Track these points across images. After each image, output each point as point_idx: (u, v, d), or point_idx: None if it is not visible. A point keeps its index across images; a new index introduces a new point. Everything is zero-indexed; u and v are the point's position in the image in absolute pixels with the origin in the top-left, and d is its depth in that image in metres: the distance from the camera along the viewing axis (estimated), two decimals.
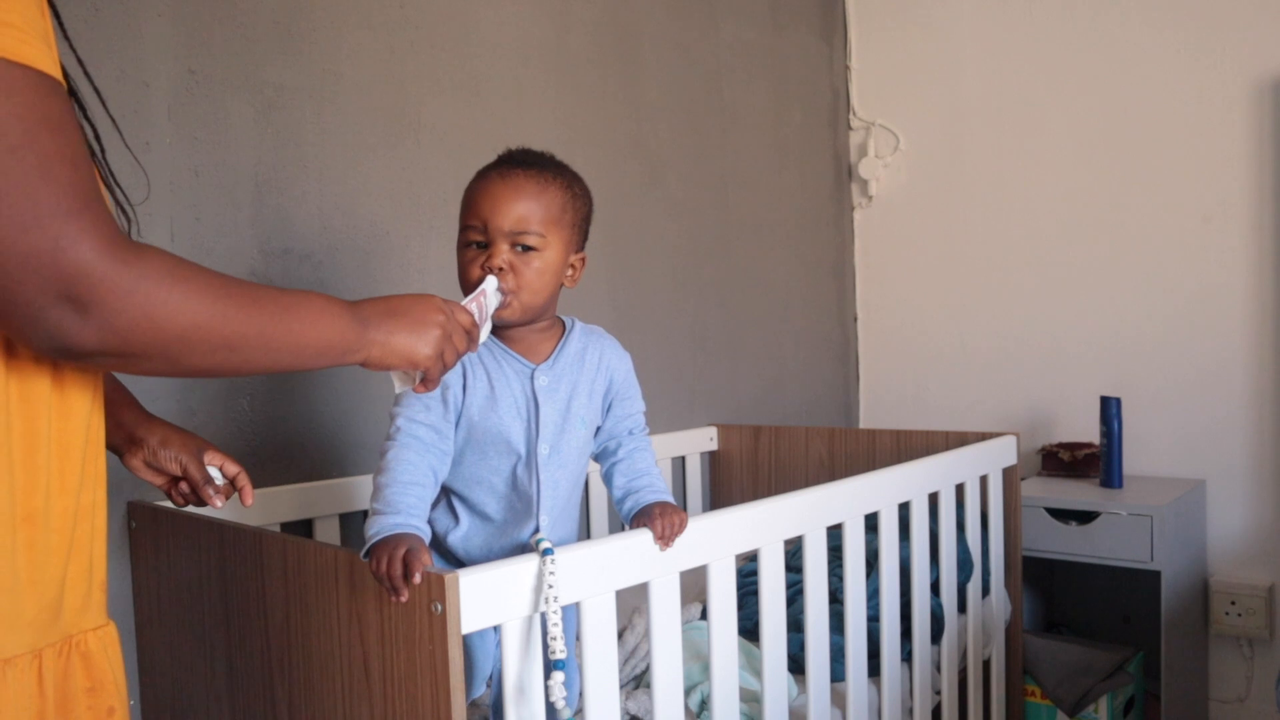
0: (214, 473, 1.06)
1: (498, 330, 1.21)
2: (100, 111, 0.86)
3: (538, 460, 1.21)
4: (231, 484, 1.07)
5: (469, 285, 1.15)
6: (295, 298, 0.80)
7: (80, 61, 0.82)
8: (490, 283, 1.11)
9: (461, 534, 1.23)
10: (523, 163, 1.19)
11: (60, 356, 0.65)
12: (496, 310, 1.14)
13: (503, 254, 1.14)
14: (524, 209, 1.15)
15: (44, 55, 0.62)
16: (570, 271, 1.23)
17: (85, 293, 0.61)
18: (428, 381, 0.94)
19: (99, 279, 0.62)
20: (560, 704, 1.03)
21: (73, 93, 0.77)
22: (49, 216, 0.60)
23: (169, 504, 1.11)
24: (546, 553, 1.05)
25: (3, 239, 0.59)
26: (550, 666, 1.04)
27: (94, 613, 0.76)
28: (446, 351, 0.93)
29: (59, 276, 0.60)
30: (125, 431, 1.03)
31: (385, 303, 0.90)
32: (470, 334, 0.99)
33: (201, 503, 1.05)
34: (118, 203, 0.81)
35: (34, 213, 0.59)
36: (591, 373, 1.27)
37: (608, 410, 1.30)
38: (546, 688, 1.04)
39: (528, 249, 1.16)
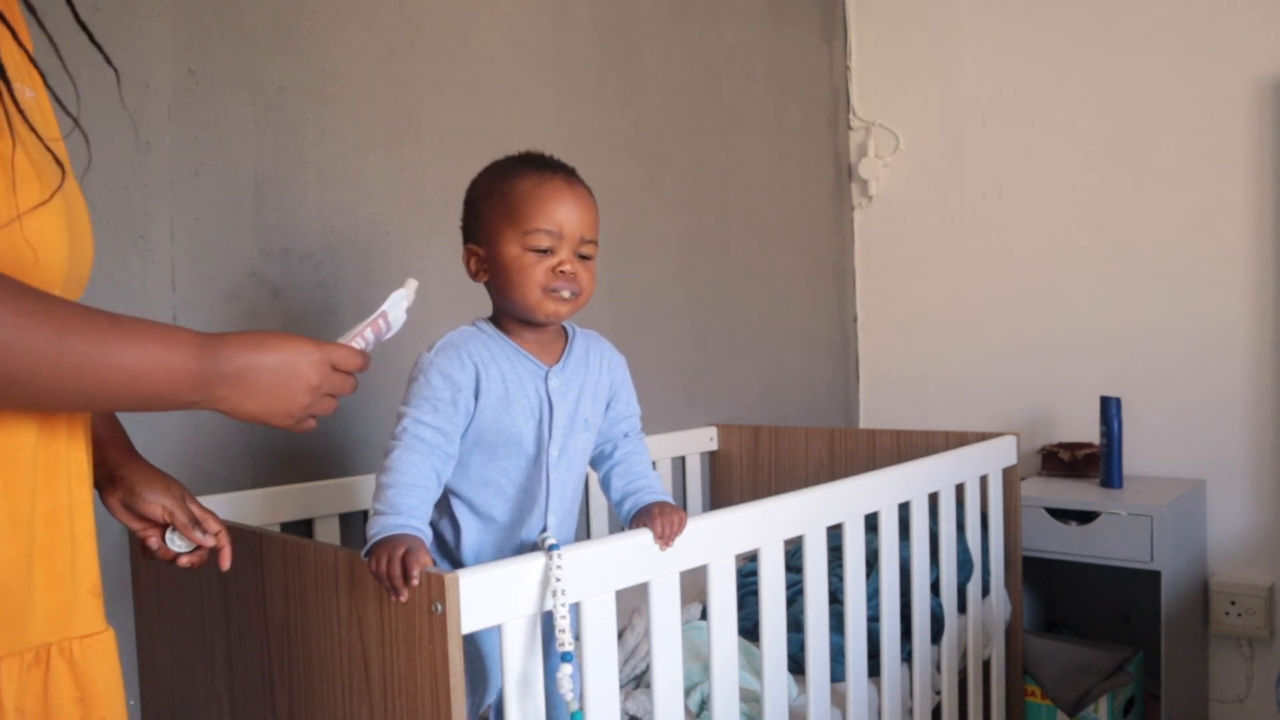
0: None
1: (510, 333, 1.23)
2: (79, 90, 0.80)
3: (548, 461, 1.22)
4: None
5: (535, 287, 1.18)
6: (124, 339, 0.67)
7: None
8: (410, 285, 1.04)
9: (468, 540, 1.23)
10: (573, 173, 1.24)
11: None
12: (556, 310, 1.18)
13: (574, 260, 1.19)
14: (591, 219, 1.21)
15: None
16: None
17: None
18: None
19: None
20: (569, 696, 1.04)
21: None
22: None
23: None
24: (553, 548, 1.06)
25: None
26: (560, 659, 1.04)
27: (83, 620, 0.73)
28: (318, 406, 0.83)
29: None
30: (107, 470, 0.96)
31: (254, 351, 0.77)
32: (353, 376, 0.88)
33: (173, 559, 0.97)
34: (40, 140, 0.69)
35: None
36: (595, 374, 1.28)
37: (605, 408, 1.31)
38: (555, 680, 1.05)
39: (586, 257, 1.21)
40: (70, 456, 0.73)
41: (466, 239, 1.25)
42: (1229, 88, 2.46)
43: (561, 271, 1.18)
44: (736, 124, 2.63)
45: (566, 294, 1.18)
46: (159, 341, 0.70)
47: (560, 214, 1.18)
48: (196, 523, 0.96)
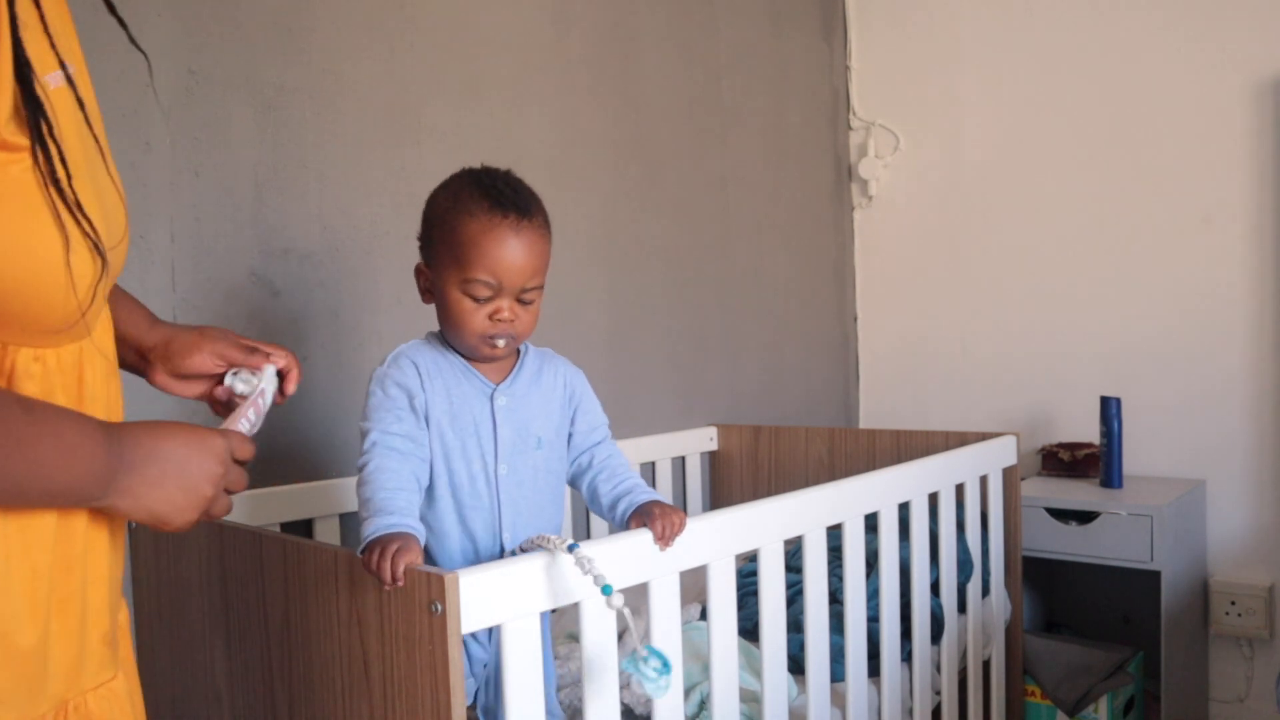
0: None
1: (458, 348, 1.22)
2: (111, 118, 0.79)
3: (497, 480, 1.21)
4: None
5: (472, 332, 1.17)
6: (36, 426, 0.62)
7: (62, 63, 0.70)
8: (268, 370, 0.95)
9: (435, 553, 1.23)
10: (524, 210, 1.17)
11: None
12: (492, 353, 1.19)
13: (513, 308, 1.17)
14: (533, 266, 1.17)
15: None
16: None
17: None
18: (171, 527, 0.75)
19: None
20: (601, 579, 1.04)
21: (37, 102, 0.63)
22: None
23: None
24: (572, 548, 1.06)
25: None
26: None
27: (94, 670, 0.70)
28: (216, 506, 0.76)
29: None
30: (134, 353, 0.88)
31: (153, 442, 0.71)
32: (245, 466, 0.81)
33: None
34: (87, 237, 0.66)
35: None
36: (548, 391, 1.27)
37: (571, 422, 1.29)
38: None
39: (528, 302, 1.19)
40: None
41: (421, 249, 1.25)
42: (1229, 88, 2.46)
43: (500, 319, 1.16)
44: (736, 124, 2.62)
45: (502, 342, 1.17)
46: (69, 450, 0.64)
47: (501, 265, 1.15)
48: (254, 349, 0.91)
